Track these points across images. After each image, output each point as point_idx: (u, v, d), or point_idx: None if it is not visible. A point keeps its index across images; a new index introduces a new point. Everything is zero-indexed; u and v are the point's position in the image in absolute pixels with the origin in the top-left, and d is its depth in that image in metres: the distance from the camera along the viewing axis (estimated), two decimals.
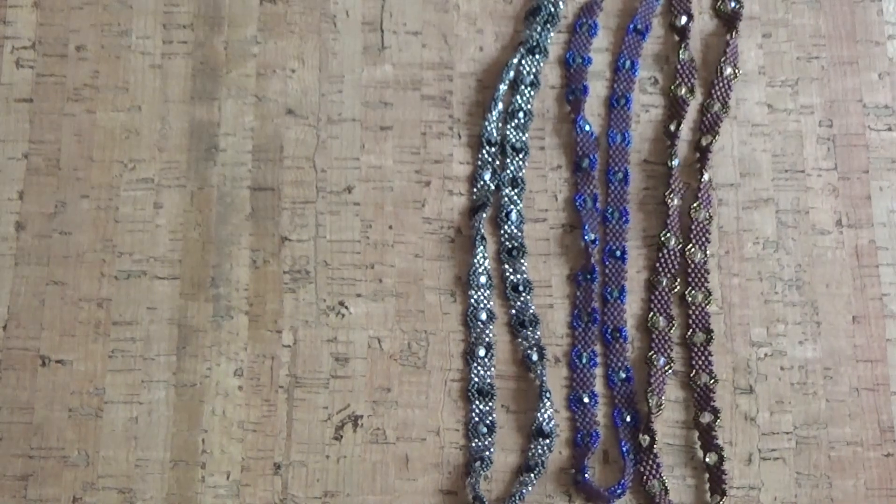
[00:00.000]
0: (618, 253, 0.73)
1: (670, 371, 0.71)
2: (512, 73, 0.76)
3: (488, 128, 0.75)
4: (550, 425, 0.70)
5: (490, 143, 0.75)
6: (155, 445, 0.69)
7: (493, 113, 0.75)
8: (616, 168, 0.75)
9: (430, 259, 0.73)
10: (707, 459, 0.69)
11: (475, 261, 0.73)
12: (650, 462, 0.69)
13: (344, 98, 0.76)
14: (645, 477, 0.69)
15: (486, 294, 0.72)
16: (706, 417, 0.70)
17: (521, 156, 0.75)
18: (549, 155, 0.76)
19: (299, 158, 0.75)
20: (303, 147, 0.75)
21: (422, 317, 0.72)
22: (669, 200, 0.74)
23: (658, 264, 0.73)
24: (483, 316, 0.72)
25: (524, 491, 0.67)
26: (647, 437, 0.69)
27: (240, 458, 0.69)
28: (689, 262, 0.73)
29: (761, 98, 0.76)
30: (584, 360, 0.71)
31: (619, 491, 0.67)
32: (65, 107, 0.75)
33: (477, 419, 0.70)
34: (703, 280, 0.73)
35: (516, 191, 0.74)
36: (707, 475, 0.69)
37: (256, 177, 0.74)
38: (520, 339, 0.72)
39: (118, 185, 0.74)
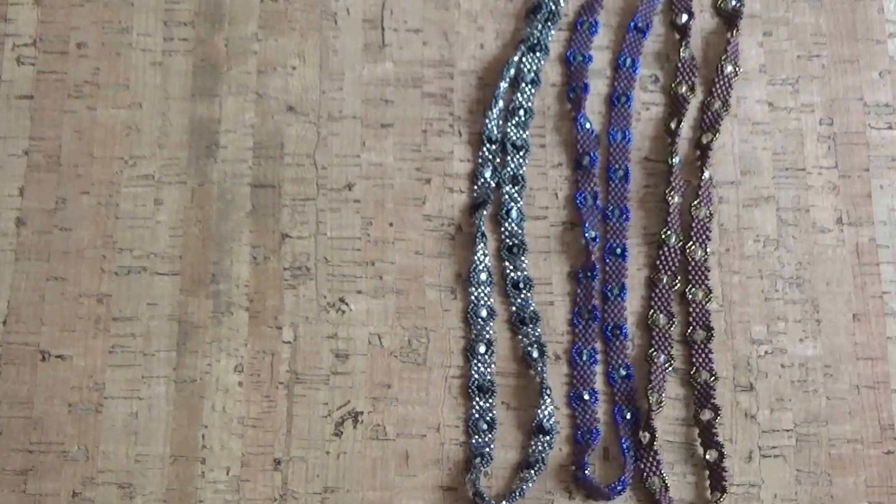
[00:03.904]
0: (618, 250, 0.73)
1: (670, 368, 0.71)
2: (513, 71, 0.76)
3: (489, 125, 0.75)
4: (551, 422, 0.70)
5: (491, 141, 0.75)
6: (155, 441, 0.69)
7: (494, 110, 0.75)
8: (616, 166, 0.75)
9: (431, 256, 0.73)
10: (707, 457, 0.69)
11: (475, 258, 0.73)
12: (650, 459, 0.69)
13: (344, 95, 0.76)
14: (645, 474, 0.69)
15: (486, 291, 0.72)
16: (706, 415, 0.70)
17: (521, 153, 0.75)
18: (549, 153, 0.76)
19: (300, 155, 0.75)
20: (303, 144, 0.75)
21: (422, 313, 0.72)
22: (670, 198, 0.74)
23: (658, 262, 0.73)
24: (483, 313, 0.72)
25: (524, 487, 0.67)
26: (647, 435, 0.69)
27: (240, 454, 0.69)
28: (690, 259, 0.73)
29: (762, 96, 0.76)
30: (584, 358, 0.71)
31: (619, 488, 0.67)
32: (65, 104, 0.76)
33: (477, 416, 0.70)
34: (703, 278, 0.73)
35: (517, 188, 0.74)
36: (707, 472, 0.69)
37: (257, 174, 0.74)
38: (520, 336, 0.72)
39: (119, 181, 0.74)
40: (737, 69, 0.76)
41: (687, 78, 0.76)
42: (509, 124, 0.75)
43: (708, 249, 0.73)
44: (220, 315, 0.71)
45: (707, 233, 0.73)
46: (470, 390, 0.70)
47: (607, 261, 0.73)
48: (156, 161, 0.74)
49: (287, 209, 0.74)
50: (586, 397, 0.71)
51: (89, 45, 0.77)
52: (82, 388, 0.70)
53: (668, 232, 0.73)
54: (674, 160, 0.74)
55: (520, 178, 0.75)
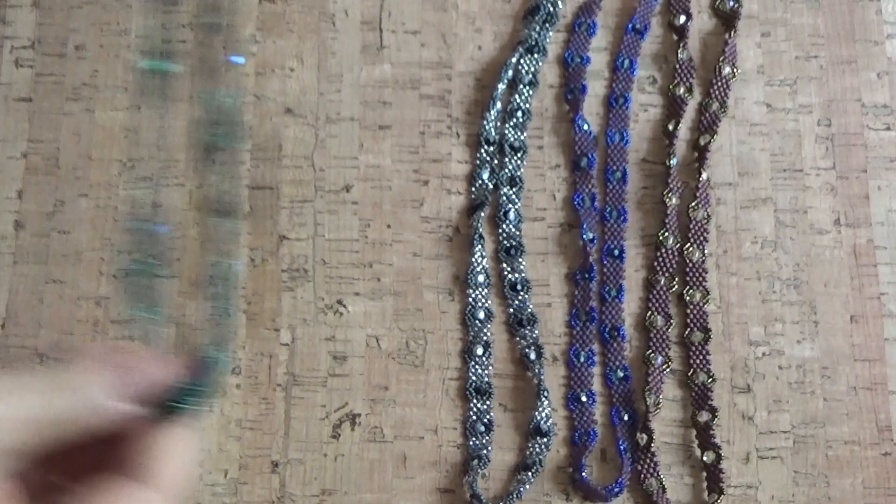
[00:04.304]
0: (616, 252, 0.74)
1: (668, 370, 0.71)
2: (510, 73, 0.76)
3: (487, 127, 0.75)
4: (548, 424, 0.70)
5: (488, 143, 0.75)
6: None
7: (492, 112, 0.75)
8: (614, 167, 0.75)
9: (429, 258, 0.73)
10: (705, 458, 0.69)
11: (473, 260, 0.73)
12: (648, 461, 0.69)
13: (342, 97, 0.76)
14: (642, 475, 0.69)
15: (484, 293, 0.72)
16: (704, 416, 0.70)
17: (519, 155, 0.75)
18: (547, 154, 0.76)
19: (298, 157, 0.75)
20: (301, 146, 0.75)
21: (420, 315, 0.72)
22: (668, 199, 0.74)
23: (656, 263, 0.73)
24: (481, 315, 0.72)
25: (522, 489, 0.67)
26: (644, 436, 0.69)
27: (237, 457, 0.69)
28: (688, 261, 0.73)
29: (760, 97, 0.76)
30: (581, 359, 0.71)
31: (616, 489, 0.67)
32: (64, 106, 0.76)
33: (475, 418, 0.70)
34: (701, 279, 0.73)
35: (514, 190, 0.74)
36: (705, 474, 0.69)
37: (255, 176, 0.74)
38: (518, 338, 0.72)
39: (117, 183, 0.74)
40: (734, 70, 0.76)
41: (685, 79, 0.76)
42: (507, 126, 0.75)
43: (706, 251, 0.73)
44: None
45: (705, 234, 0.73)
46: (467, 392, 0.70)
47: (605, 262, 0.73)
48: (154, 163, 0.75)
49: (285, 211, 0.74)
50: (584, 399, 0.71)
51: (88, 47, 0.77)
52: None
53: (666, 233, 0.73)
54: (671, 162, 0.74)
55: (518, 179, 0.75)
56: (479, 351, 0.71)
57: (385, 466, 0.69)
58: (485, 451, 0.69)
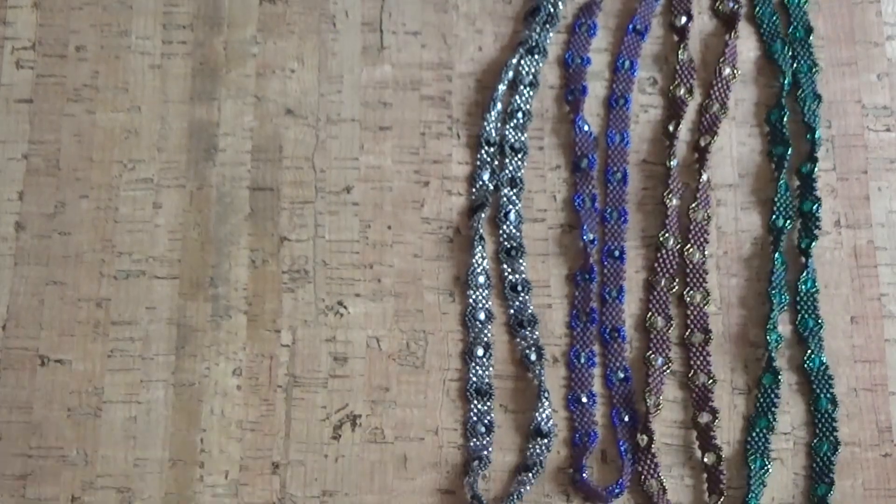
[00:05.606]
0: (616, 253, 0.74)
1: (668, 371, 0.71)
2: (511, 74, 0.76)
3: (487, 128, 0.75)
4: (549, 425, 0.70)
5: (489, 144, 0.75)
6: (153, 445, 0.69)
7: (492, 113, 0.75)
8: (615, 168, 0.75)
9: (429, 259, 0.73)
10: (705, 459, 0.69)
11: (474, 261, 0.73)
12: (648, 462, 0.69)
13: (343, 98, 0.76)
14: (643, 477, 0.69)
15: (484, 294, 0.72)
16: (704, 417, 0.70)
17: (519, 156, 0.75)
18: (547, 155, 0.76)
19: (298, 158, 0.75)
20: (302, 147, 0.75)
21: (420, 317, 0.72)
22: (668, 201, 0.74)
23: (656, 264, 0.73)
24: (481, 316, 0.72)
25: (522, 490, 0.67)
26: (645, 437, 0.69)
27: (238, 458, 0.69)
28: (688, 262, 0.73)
29: (760, 98, 0.76)
30: (582, 360, 0.71)
31: (616, 490, 0.67)
32: (64, 107, 0.76)
33: (475, 419, 0.70)
34: (701, 280, 0.73)
35: (515, 191, 0.74)
36: (705, 475, 0.69)
37: (255, 177, 0.74)
38: (518, 339, 0.72)
39: (118, 185, 0.74)
40: (735, 71, 0.76)
41: (685, 80, 0.76)
42: (508, 127, 0.75)
43: (706, 252, 0.73)
44: (218, 318, 0.72)
45: (705, 235, 0.73)
46: (468, 393, 0.70)
47: (605, 263, 0.74)
48: (155, 164, 0.75)
49: (286, 212, 0.74)
50: (584, 400, 0.71)
51: (88, 48, 0.77)
52: (81, 393, 0.70)
53: (667, 234, 0.73)
54: (672, 163, 0.74)
55: (518, 180, 0.75)
56: (480, 352, 0.71)
57: (386, 467, 0.69)
58: (485, 452, 0.69)
